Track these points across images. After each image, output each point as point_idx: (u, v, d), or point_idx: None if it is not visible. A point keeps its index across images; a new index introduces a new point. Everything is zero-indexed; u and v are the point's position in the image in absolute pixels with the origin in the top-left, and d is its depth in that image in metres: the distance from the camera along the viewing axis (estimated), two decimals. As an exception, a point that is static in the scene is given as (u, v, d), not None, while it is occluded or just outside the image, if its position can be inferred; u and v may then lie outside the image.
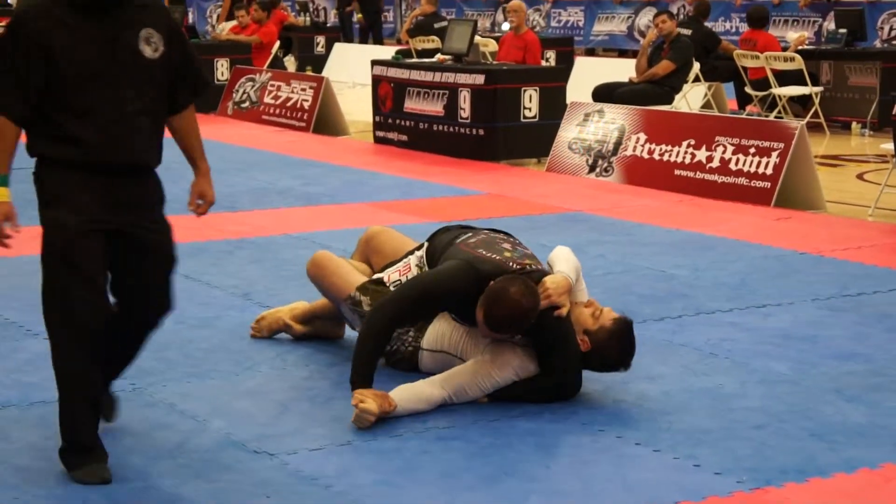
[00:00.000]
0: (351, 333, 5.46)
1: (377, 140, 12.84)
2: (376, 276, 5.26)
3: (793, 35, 15.70)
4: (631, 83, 13.07)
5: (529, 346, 4.78)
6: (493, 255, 4.82)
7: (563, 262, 4.88)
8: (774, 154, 9.30)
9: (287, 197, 9.49)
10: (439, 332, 5.02)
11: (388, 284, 5.15)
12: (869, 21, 16.83)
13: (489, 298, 4.59)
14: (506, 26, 18.91)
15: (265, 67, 15.95)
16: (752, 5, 18.15)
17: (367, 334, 4.65)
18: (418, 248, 5.23)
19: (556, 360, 4.73)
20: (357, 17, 23.70)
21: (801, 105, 14.14)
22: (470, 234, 5.08)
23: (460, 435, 4.44)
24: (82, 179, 3.96)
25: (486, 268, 4.73)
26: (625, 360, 4.79)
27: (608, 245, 7.71)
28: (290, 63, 21.18)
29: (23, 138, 4.10)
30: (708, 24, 16.31)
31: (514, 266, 4.78)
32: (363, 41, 23.23)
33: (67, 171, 4.00)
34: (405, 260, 5.22)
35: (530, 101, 11.53)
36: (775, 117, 13.28)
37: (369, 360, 4.61)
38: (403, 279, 5.11)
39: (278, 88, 14.52)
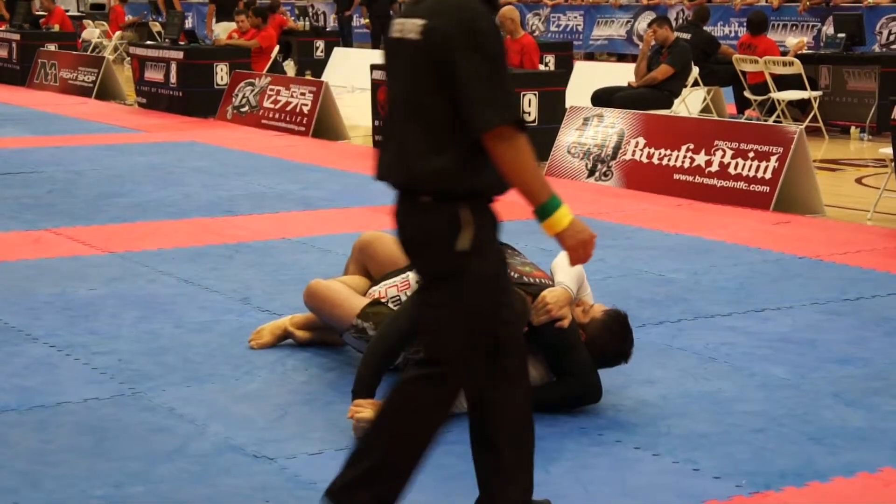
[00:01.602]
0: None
1: (376, 144, 12.84)
2: (372, 289, 5.24)
3: (792, 40, 15.72)
4: (630, 87, 13.07)
5: (540, 354, 4.77)
6: None
7: (563, 273, 4.87)
8: (773, 158, 9.30)
9: (286, 201, 9.49)
10: None
11: (385, 301, 5.12)
12: (867, 26, 16.83)
13: None
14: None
15: (264, 72, 15.96)
16: (752, 10, 18.16)
17: (378, 347, 4.62)
18: None
19: (568, 365, 4.71)
20: (364, 21, 23.72)
21: (799, 109, 14.15)
22: None
23: (460, 439, 4.42)
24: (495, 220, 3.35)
25: None
26: (623, 349, 4.77)
27: (607, 249, 7.71)
28: (290, 67, 21.19)
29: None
30: (707, 28, 16.33)
31: (513, 274, 4.77)
32: (375, 46, 23.25)
33: (491, 211, 3.33)
34: (404, 275, 5.18)
35: (529, 105, 11.54)
36: (774, 122, 13.29)
37: (376, 371, 4.58)
38: (402, 296, 5.08)
39: (277, 93, 14.52)
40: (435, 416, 3.39)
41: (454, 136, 3.22)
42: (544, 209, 3.22)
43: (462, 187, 3.23)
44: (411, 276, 5.15)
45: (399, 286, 5.14)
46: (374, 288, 5.23)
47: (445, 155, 3.23)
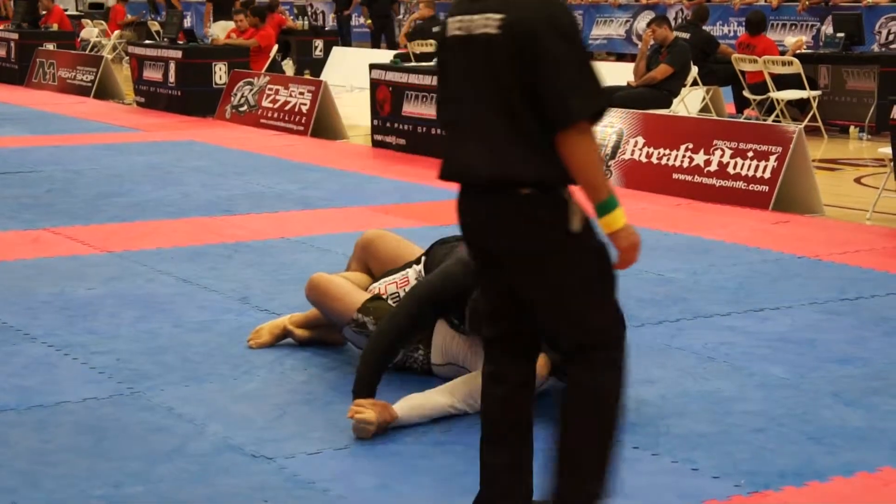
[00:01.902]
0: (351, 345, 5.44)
1: (375, 144, 12.84)
2: (373, 286, 5.24)
3: (791, 39, 15.71)
4: (629, 87, 13.07)
5: None
6: None
7: None
8: (772, 158, 9.30)
9: (285, 201, 9.49)
10: (442, 344, 5.00)
11: (385, 297, 5.12)
12: (866, 25, 16.82)
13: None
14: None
15: (263, 71, 15.95)
16: (751, 10, 18.15)
17: (376, 344, 4.61)
18: (416, 262, 5.19)
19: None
20: (367, 22, 23.75)
21: (798, 109, 14.15)
22: None
23: (459, 439, 4.43)
24: None
25: None
26: None
27: (606, 249, 7.71)
28: (289, 67, 21.18)
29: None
30: (706, 27, 16.33)
31: None
32: (375, 46, 23.26)
33: None
34: (403, 272, 5.18)
35: (528, 104, 11.51)
36: (773, 121, 13.29)
37: (375, 370, 4.57)
38: (401, 292, 5.08)
39: (276, 92, 14.52)
40: (618, 400, 3.40)
41: (543, 127, 3.25)
42: (605, 206, 3.27)
43: (561, 175, 3.27)
44: (410, 274, 5.14)
45: (398, 283, 5.14)
46: (375, 285, 5.24)
47: (541, 147, 3.26)
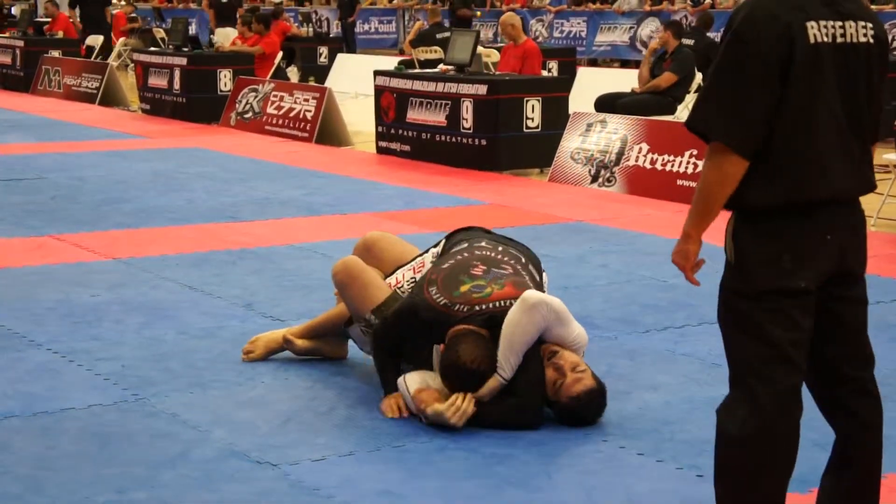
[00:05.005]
0: (354, 353, 5.43)
1: (380, 150, 12.85)
2: (389, 279, 5.21)
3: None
4: (633, 93, 13.08)
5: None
6: (440, 299, 4.71)
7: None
8: (777, 164, 9.29)
9: (289, 207, 9.50)
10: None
11: (401, 285, 5.12)
12: (871, 31, 16.81)
13: (445, 368, 4.58)
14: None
15: (268, 78, 15.97)
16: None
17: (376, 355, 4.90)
18: (435, 246, 5.23)
19: (517, 379, 4.62)
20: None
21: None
22: (465, 244, 5.05)
23: (463, 445, 4.43)
24: None
25: (428, 316, 4.70)
26: (573, 424, 4.69)
27: (611, 255, 7.71)
28: (293, 74, 21.20)
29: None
30: (711, 34, 16.34)
31: (462, 310, 4.66)
32: None
33: None
34: (420, 258, 5.21)
35: (533, 111, 11.54)
36: (778, 127, 13.26)
37: (390, 368, 4.82)
38: (418, 276, 5.08)
39: (281, 99, 14.54)
40: None
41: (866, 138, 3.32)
42: None
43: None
44: (427, 258, 5.15)
45: (415, 268, 5.16)
46: (391, 277, 5.21)
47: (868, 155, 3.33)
